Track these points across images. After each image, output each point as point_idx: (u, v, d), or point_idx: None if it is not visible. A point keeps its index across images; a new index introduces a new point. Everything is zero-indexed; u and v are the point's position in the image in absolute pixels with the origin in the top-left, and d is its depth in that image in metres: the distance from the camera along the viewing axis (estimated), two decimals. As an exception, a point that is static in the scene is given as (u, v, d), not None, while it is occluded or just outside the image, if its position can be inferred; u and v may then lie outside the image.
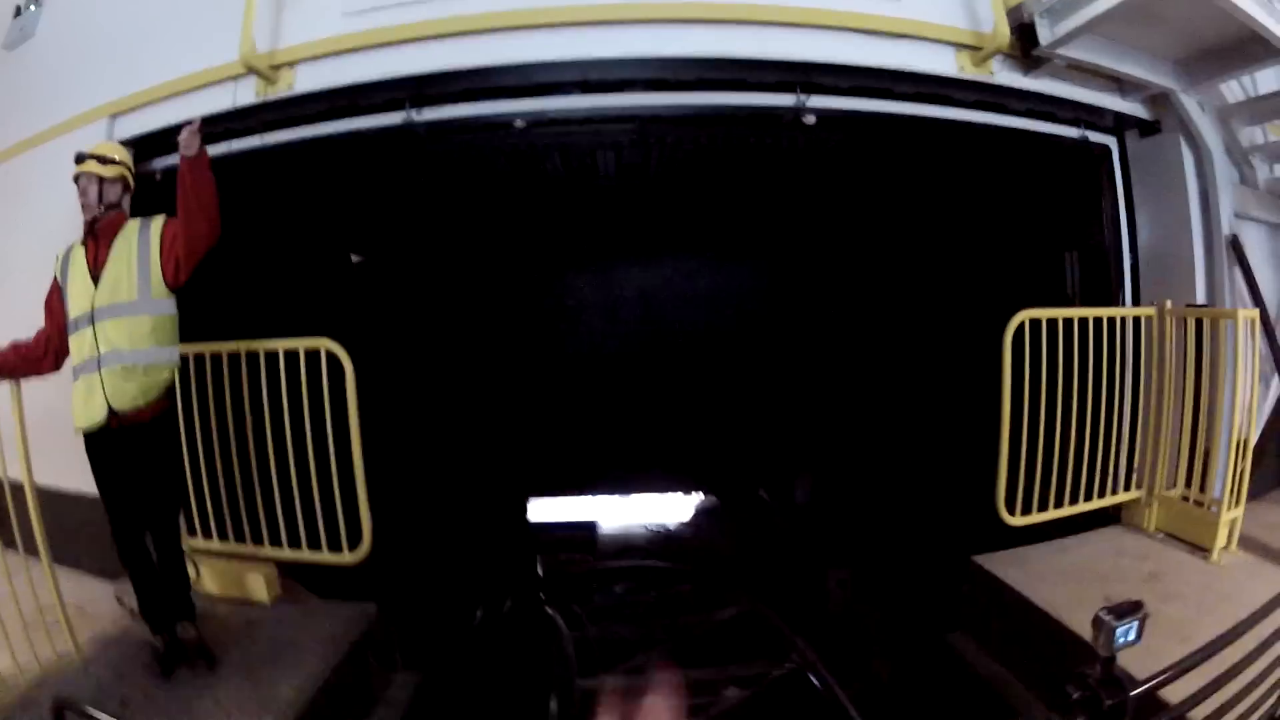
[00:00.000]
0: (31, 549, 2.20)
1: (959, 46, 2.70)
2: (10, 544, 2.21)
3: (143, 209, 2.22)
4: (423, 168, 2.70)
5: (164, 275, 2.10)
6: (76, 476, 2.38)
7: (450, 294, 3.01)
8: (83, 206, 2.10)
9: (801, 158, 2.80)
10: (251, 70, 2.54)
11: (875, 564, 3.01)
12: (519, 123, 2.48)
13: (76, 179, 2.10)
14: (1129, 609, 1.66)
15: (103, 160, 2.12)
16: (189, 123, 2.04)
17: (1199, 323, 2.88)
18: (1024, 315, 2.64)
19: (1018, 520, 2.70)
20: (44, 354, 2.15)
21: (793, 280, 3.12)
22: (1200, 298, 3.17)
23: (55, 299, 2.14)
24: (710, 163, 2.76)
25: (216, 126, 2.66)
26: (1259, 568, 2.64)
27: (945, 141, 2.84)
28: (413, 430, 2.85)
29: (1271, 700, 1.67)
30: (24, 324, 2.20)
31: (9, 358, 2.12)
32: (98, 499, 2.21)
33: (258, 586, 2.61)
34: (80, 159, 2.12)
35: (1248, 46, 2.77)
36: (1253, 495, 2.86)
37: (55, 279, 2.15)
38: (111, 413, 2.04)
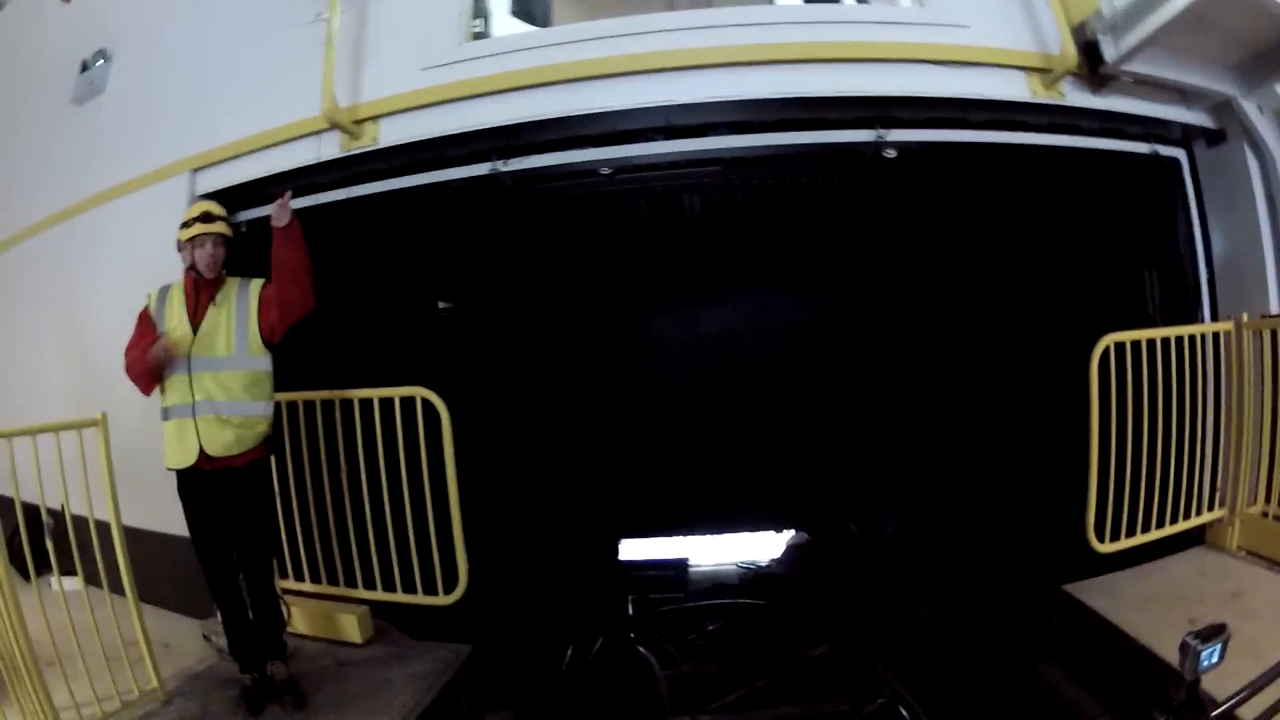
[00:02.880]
0: (116, 586, 2.25)
1: (1029, 70, 2.70)
2: (94, 581, 2.27)
3: (229, 261, 2.29)
4: (509, 216, 2.74)
5: (260, 335, 2.19)
6: (163, 517, 2.44)
7: (539, 338, 3.04)
8: (208, 266, 2.17)
9: (882, 191, 2.80)
10: (334, 125, 2.60)
11: (966, 596, 2.99)
12: (604, 170, 2.52)
13: (195, 238, 2.16)
14: (1213, 632, 1.65)
15: (224, 220, 2.23)
16: (277, 191, 2.10)
17: (1274, 334, 2.82)
18: (1109, 339, 2.61)
19: (1107, 547, 2.67)
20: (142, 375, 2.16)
21: (877, 312, 3.11)
22: (1274, 307, 3.10)
23: (148, 327, 2.18)
24: (793, 200, 2.78)
25: (302, 180, 2.73)
26: None
27: (1021, 166, 2.82)
28: (505, 473, 2.89)
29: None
30: (105, 372, 2.26)
31: (135, 358, 2.12)
32: (184, 539, 2.26)
33: (350, 627, 2.65)
34: (210, 219, 2.19)
35: None
36: None
37: (148, 313, 2.20)
38: (205, 456, 2.11)
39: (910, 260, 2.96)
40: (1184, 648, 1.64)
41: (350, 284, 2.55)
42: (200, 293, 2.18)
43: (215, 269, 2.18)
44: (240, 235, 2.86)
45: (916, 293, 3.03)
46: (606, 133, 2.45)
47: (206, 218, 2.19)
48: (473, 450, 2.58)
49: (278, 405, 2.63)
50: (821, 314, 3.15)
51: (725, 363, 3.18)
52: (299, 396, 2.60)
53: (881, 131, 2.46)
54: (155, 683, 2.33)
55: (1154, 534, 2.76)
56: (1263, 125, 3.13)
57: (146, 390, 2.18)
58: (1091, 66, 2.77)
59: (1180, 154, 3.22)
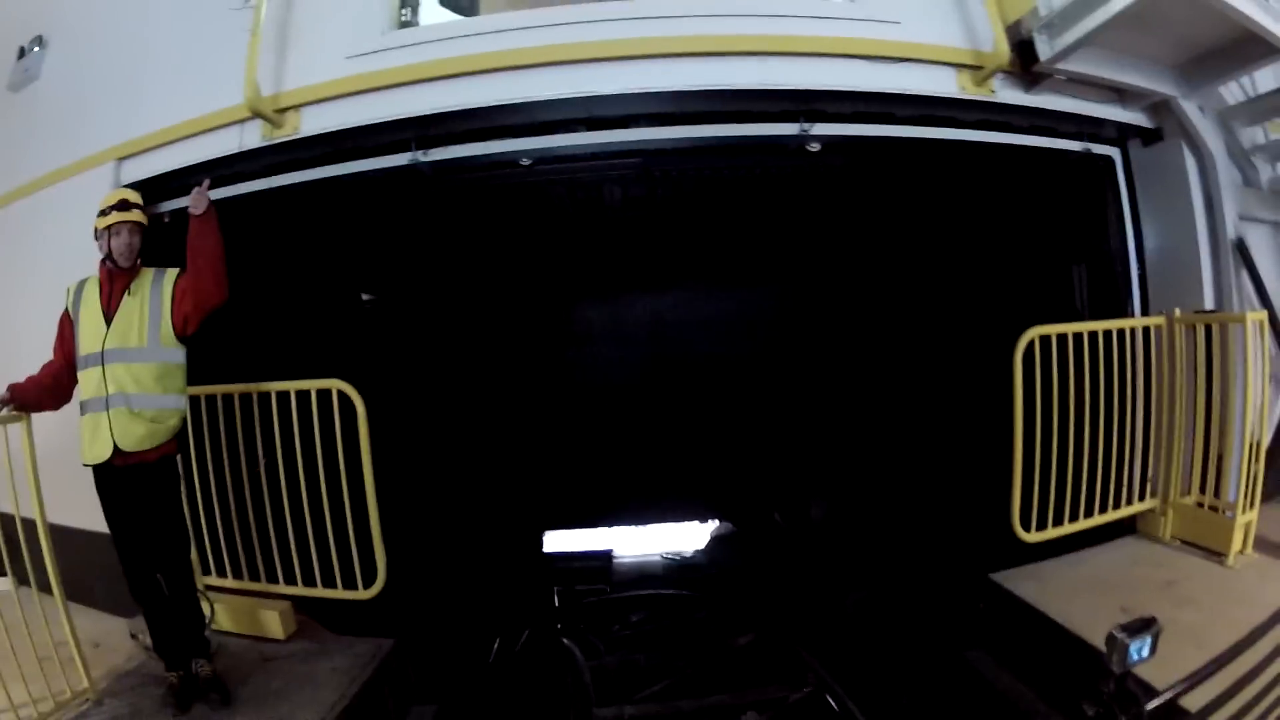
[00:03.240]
0: (46, 586, 2.21)
1: (959, 67, 2.72)
2: (25, 581, 2.23)
3: (150, 251, 2.25)
4: (430, 207, 2.72)
5: (173, 326, 2.14)
6: (90, 514, 2.40)
7: (461, 330, 3.02)
8: (123, 255, 2.13)
9: (807, 184, 2.81)
10: (256, 114, 2.57)
11: (892, 584, 3.01)
12: (525, 160, 2.50)
13: (112, 226, 2.13)
14: (1142, 625, 1.64)
15: (140, 208, 2.18)
16: (198, 180, 2.08)
17: (1208, 328, 2.88)
18: (1034, 332, 2.64)
19: (1033, 536, 2.70)
20: (59, 386, 2.16)
21: (802, 305, 3.13)
22: (1208, 303, 3.16)
23: (67, 331, 2.16)
24: (716, 193, 2.78)
25: (224, 170, 2.68)
26: (1274, 570, 2.63)
27: (950, 162, 2.84)
28: (427, 465, 2.87)
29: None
30: (32, 363, 2.23)
31: (28, 389, 2.14)
32: (109, 536, 2.22)
33: (273, 623, 2.63)
34: (126, 206, 2.15)
35: (1244, 47, 2.78)
36: (1267, 498, 2.86)
37: (66, 311, 2.18)
38: (118, 451, 2.07)
39: (837, 254, 2.98)
40: (1111, 641, 1.63)
41: (271, 275, 2.50)
42: (115, 283, 2.14)
43: (131, 258, 2.14)
44: (163, 225, 2.81)
45: (844, 285, 3.05)
46: (527, 123, 2.43)
47: (123, 205, 2.14)
48: (397, 443, 2.55)
49: (194, 399, 2.60)
50: (747, 307, 3.17)
51: (649, 355, 3.19)
52: (216, 390, 2.55)
53: (806, 125, 2.47)
54: (86, 683, 2.29)
55: (1082, 524, 2.80)
56: (1203, 126, 3.19)
57: (50, 409, 2.15)
58: (1024, 64, 2.79)
59: (1114, 152, 3.26)
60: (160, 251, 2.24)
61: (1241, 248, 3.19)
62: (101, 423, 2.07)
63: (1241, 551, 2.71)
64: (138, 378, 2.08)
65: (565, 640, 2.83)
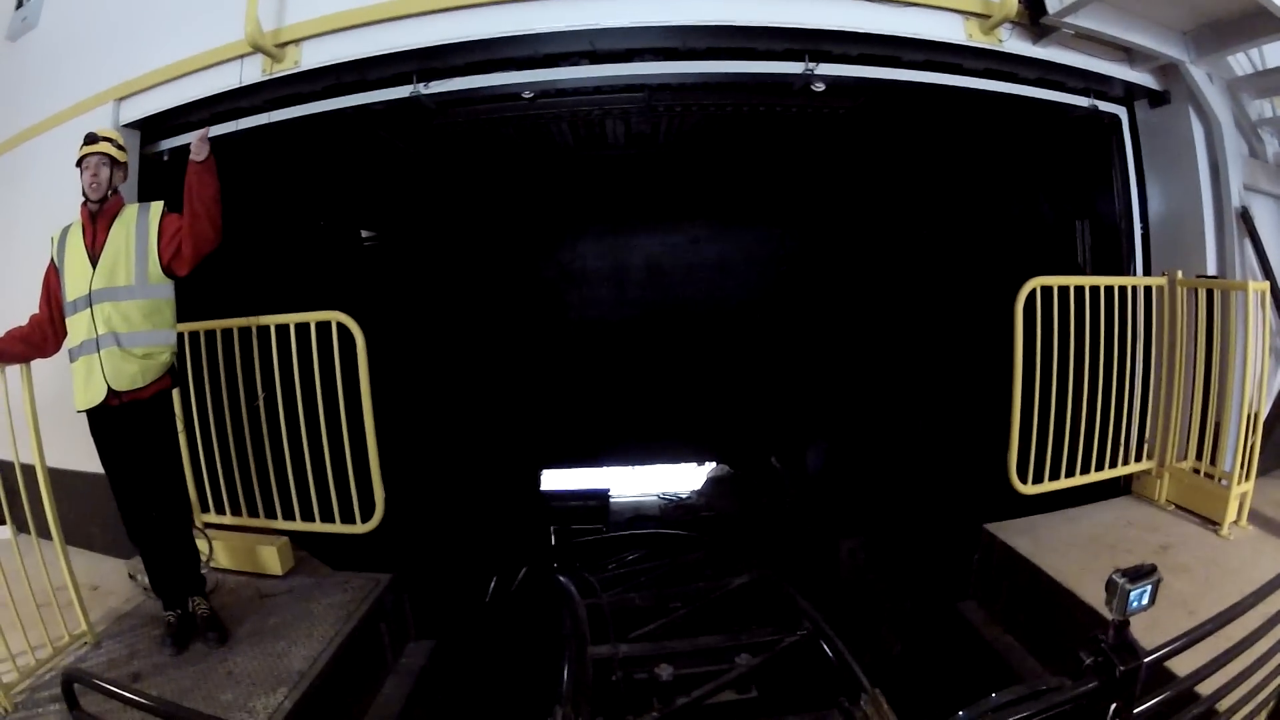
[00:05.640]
0: (45, 531, 2.20)
1: (967, 14, 2.69)
2: (23, 527, 2.23)
3: (151, 189, 2.23)
4: (431, 140, 2.70)
5: (160, 261, 2.11)
6: (87, 456, 2.40)
7: (461, 266, 3.01)
8: (91, 187, 2.09)
9: (811, 126, 2.79)
10: (257, 48, 2.54)
11: (886, 532, 3.02)
12: (527, 94, 2.49)
13: (82, 160, 2.09)
14: (1143, 572, 1.63)
15: (114, 144, 2.14)
16: (198, 119, 2.02)
17: (1209, 294, 2.86)
18: (1035, 283, 2.63)
19: (1029, 489, 2.70)
20: (42, 338, 2.14)
21: (804, 249, 3.11)
22: (1211, 269, 3.15)
23: (53, 280, 2.14)
24: (719, 131, 2.75)
25: (224, 105, 2.66)
26: (1268, 543, 2.62)
27: (955, 110, 2.82)
28: (427, 402, 2.87)
29: (1280, 679, 1.63)
30: (30, 311, 2.21)
31: (8, 344, 2.12)
32: (106, 478, 2.21)
33: (270, 559, 2.64)
34: (94, 139, 2.11)
35: (1254, 20, 2.75)
36: (1263, 470, 2.85)
37: (51, 260, 2.15)
38: (111, 392, 2.05)
39: (839, 198, 2.96)
40: (1111, 585, 1.60)
41: (271, 211, 2.48)
42: (97, 223, 2.10)
43: (100, 191, 2.09)
44: (162, 163, 2.80)
45: (845, 231, 3.03)
46: (530, 56, 2.42)
47: (90, 139, 2.10)
48: (396, 379, 2.54)
49: (194, 335, 2.60)
50: (748, 247, 3.15)
51: (650, 294, 3.18)
52: (215, 325, 2.55)
53: (811, 65, 2.45)
54: (84, 626, 2.29)
55: (1078, 479, 2.80)
56: (1211, 93, 3.16)
57: (31, 359, 2.13)
58: (1033, 16, 2.77)
59: (1121, 111, 3.24)
60: (161, 190, 2.21)
61: (1246, 217, 3.17)
62: (94, 365, 2.04)
63: (1236, 522, 2.70)
64: (127, 316, 2.06)
65: (561, 579, 2.84)
